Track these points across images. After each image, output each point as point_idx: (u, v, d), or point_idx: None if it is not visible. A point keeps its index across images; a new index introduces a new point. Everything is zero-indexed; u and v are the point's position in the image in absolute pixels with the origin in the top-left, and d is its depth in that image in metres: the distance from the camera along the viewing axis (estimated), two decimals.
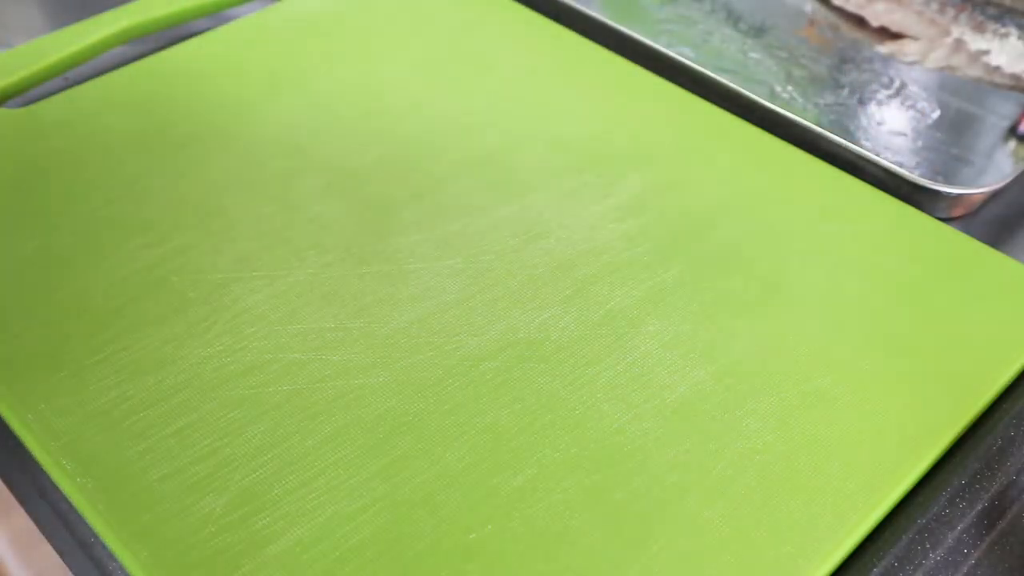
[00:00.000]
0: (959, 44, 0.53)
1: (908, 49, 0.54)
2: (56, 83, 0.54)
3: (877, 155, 0.47)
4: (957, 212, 0.47)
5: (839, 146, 0.48)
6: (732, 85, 0.51)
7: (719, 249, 0.44)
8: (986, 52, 0.52)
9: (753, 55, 0.57)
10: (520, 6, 0.59)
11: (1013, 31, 0.54)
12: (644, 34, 0.55)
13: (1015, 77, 0.51)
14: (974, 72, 0.52)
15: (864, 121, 0.53)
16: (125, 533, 0.33)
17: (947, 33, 0.53)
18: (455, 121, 0.50)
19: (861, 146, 0.48)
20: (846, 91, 0.55)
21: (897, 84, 0.55)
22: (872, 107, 0.54)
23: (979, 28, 0.54)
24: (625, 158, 0.48)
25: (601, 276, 0.42)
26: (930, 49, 0.53)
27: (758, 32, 0.59)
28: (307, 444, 0.36)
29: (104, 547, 0.34)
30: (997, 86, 0.53)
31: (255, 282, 0.42)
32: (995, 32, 0.55)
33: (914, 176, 0.46)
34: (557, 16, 0.59)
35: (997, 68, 0.52)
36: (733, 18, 0.60)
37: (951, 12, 0.56)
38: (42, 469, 0.36)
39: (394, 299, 0.41)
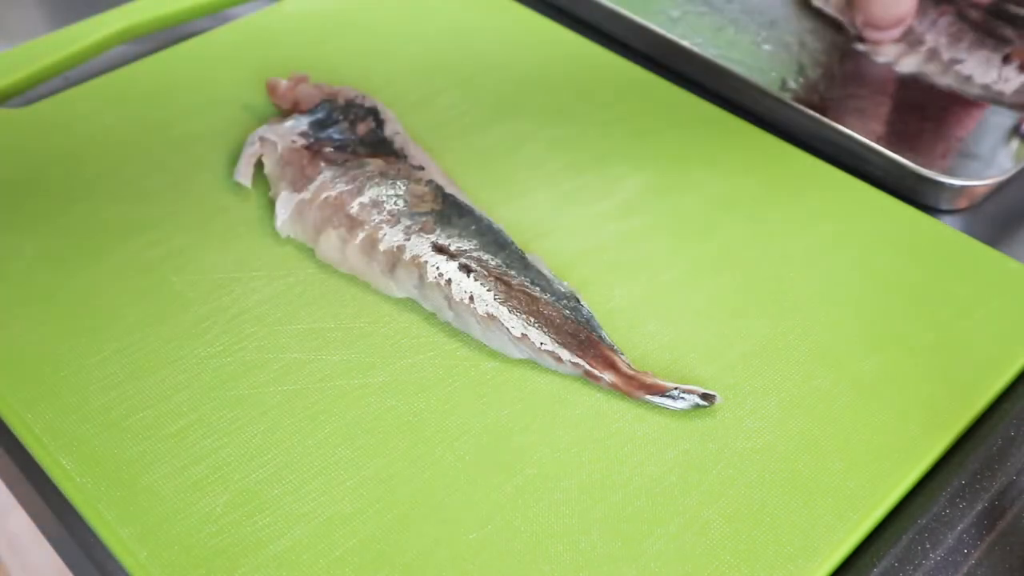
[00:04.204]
0: (932, 53, 0.53)
1: (884, 50, 0.54)
2: (56, 83, 0.54)
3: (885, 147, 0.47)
4: (961, 204, 0.47)
5: (847, 136, 0.48)
6: (743, 75, 0.52)
7: (719, 249, 0.44)
8: (960, 61, 0.52)
9: (766, 47, 0.57)
10: (520, 6, 0.59)
11: (989, 42, 0.55)
12: (657, 24, 0.55)
13: (985, 87, 0.52)
14: (946, 80, 0.52)
15: (872, 114, 0.53)
16: (125, 533, 0.33)
17: (921, 41, 0.54)
18: (455, 121, 0.50)
19: (868, 137, 0.48)
20: (856, 84, 0.55)
21: (904, 82, 0.55)
22: (881, 100, 0.54)
23: (956, 37, 0.55)
24: (625, 158, 0.48)
25: (601, 276, 0.42)
26: (904, 53, 0.54)
27: (772, 24, 0.59)
28: (307, 444, 0.36)
29: (104, 547, 0.34)
30: (967, 95, 0.53)
31: (255, 282, 0.42)
32: (972, 41, 0.55)
33: (919, 167, 0.46)
34: (570, 7, 0.59)
35: (968, 78, 0.52)
36: (747, 10, 0.60)
37: (931, 15, 0.56)
38: (42, 469, 0.36)
39: (394, 299, 0.41)
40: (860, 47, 0.55)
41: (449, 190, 0.43)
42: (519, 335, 0.38)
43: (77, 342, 0.39)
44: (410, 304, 0.41)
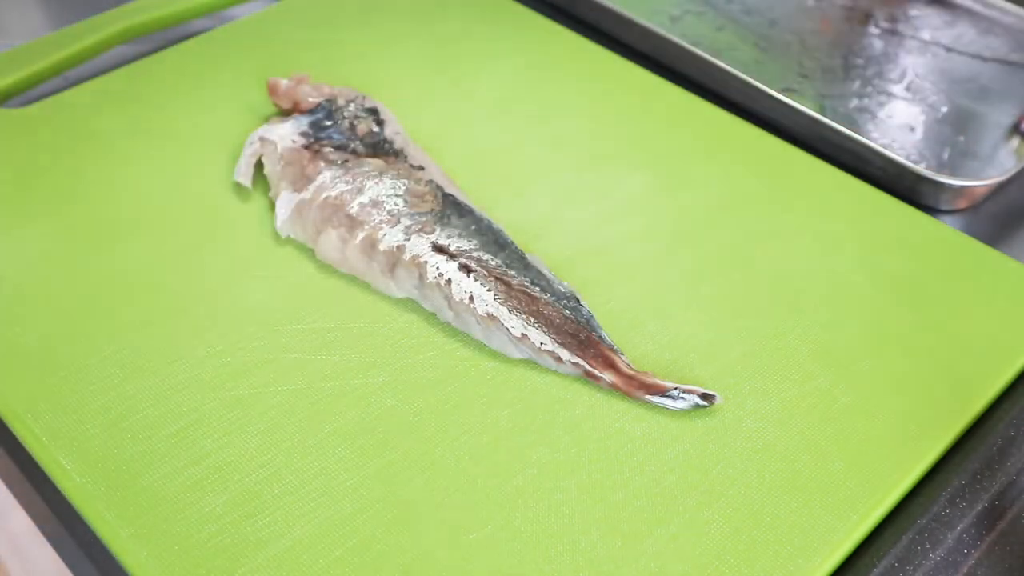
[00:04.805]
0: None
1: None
2: (56, 83, 0.54)
3: (884, 147, 0.47)
4: (961, 204, 0.47)
5: (847, 138, 0.48)
6: (743, 76, 0.52)
7: (719, 249, 0.44)
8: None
9: (765, 47, 0.57)
10: (520, 6, 0.59)
11: None
12: (657, 24, 0.55)
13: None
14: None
15: (872, 114, 0.53)
16: (125, 533, 0.33)
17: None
18: (455, 121, 0.50)
19: (869, 138, 0.48)
20: (856, 84, 0.55)
21: (907, 80, 0.56)
22: (881, 101, 0.54)
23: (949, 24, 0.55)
24: (625, 158, 0.48)
25: (601, 276, 0.42)
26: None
27: (771, 24, 0.59)
28: (307, 444, 0.36)
29: (104, 547, 0.34)
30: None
31: (255, 282, 0.42)
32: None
33: (919, 168, 0.46)
34: (570, 7, 0.59)
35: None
36: (747, 10, 0.61)
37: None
38: (42, 469, 0.36)
39: (394, 299, 0.41)
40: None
41: (449, 190, 0.43)
42: (519, 335, 0.38)
43: (77, 342, 0.39)
44: (410, 304, 0.41)
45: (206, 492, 0.34)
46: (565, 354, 0.37)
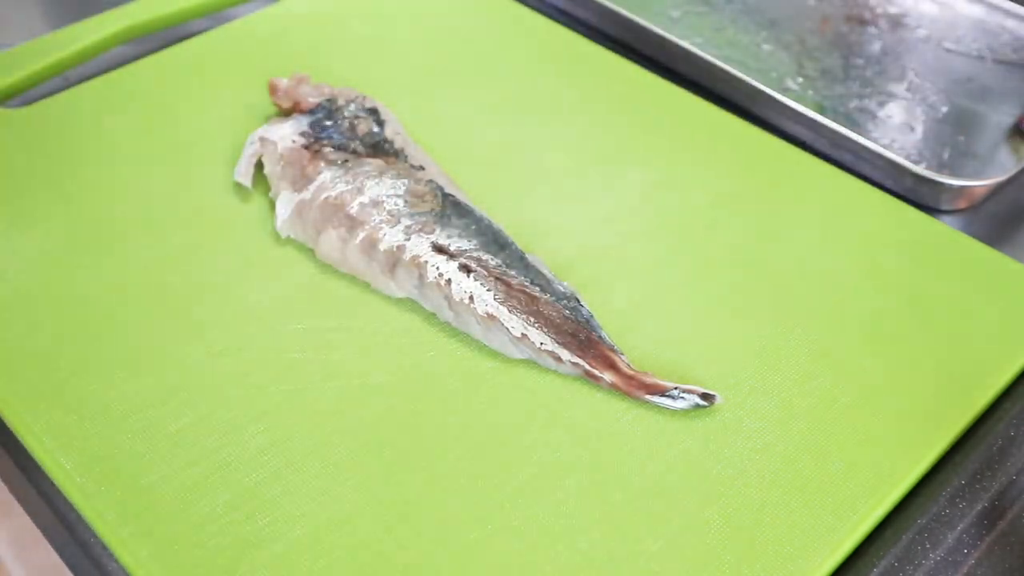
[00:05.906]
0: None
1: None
2: (56, 83, 0.54)
3: (884, 147, 0.47)
4: (960, 204, 0.47)
5: (846, 138, 0.48)
6: (742, 76, 0.52)
7: (719, 249, 0.44)
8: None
9: (766, 47, 0.57)
10: (520, 6, 0.59)
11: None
12: (657, 24, 0.55)
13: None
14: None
15: (872, 114, 0.53)
16: (125, 533, 0.33)
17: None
18: (455, 121, 0.50)
19: (869, 138, 0.48)
20: (856, 84, 0.55)
21: (907, 80, 0.55)
22: (881, 100, 0.54)
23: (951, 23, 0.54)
24: (625, 158, 0.48)
25: (601, 276, 0.42)
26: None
27: (771, 24, 0.59)
28: (307, 444, 0.36)
29: (104, 547, 0.34)
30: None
31: (255, 282, 0.42)
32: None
33: (919, 168, 0.46)
34: (570, 7, 0.59)
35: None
36: (747, 10, 0.61)
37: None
38: (42, 469, 0.36)
39: (394, 299, 0.41)
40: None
41: (449, 190, 0.43)
42: (519, 335, 0.38)
43: (78, 342, 0.39)
44: (410, 304, 0.41)
45: (206, 492, 0.34)
46: (565, 354, 0.37)
